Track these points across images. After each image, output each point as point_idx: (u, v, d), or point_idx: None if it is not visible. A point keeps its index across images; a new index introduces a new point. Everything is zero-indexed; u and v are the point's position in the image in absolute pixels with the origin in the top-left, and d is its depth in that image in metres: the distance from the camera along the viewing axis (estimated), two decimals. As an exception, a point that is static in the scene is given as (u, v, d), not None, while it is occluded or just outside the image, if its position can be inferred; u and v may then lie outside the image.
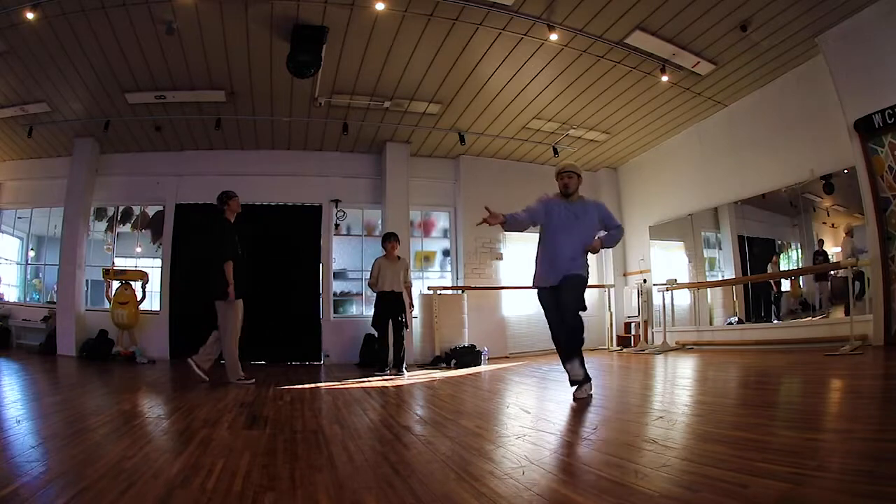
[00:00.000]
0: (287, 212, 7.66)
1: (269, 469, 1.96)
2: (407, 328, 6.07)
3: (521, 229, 3.90)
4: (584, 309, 3.58)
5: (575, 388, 3.51)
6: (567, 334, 3.51)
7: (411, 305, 6.21)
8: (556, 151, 7.79)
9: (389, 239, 6.07)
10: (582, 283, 3.61)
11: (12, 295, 8.04)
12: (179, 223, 7.39)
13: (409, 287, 6.15)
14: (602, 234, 3.80)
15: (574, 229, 3.67)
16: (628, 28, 5.02)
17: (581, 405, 3.28)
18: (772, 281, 6.89)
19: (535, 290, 3.77)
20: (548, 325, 3.68)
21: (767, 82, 6.10)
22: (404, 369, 5.80)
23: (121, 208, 7.70)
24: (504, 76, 5.91)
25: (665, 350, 6.99)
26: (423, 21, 4.88)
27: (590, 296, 8.71)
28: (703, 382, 4.35)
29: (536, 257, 3.91)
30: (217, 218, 4.75)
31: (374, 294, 6.07)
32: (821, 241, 6.30)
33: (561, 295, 3.52)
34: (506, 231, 3.61)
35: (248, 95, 6.18)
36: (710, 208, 7.37)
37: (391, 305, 5.93)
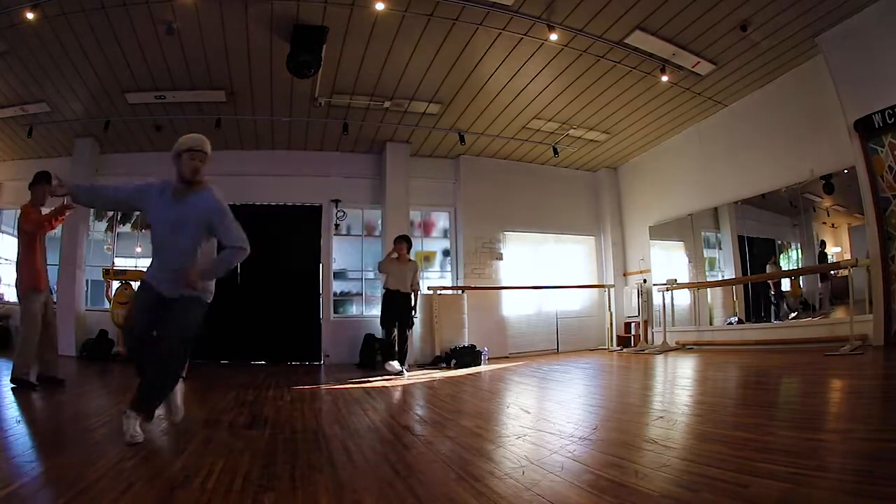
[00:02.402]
0: (287, 212, 7.66)
1: (269, 469, 1.96)
2: (410, 329, 6.11)
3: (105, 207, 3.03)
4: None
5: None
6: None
7: (414, 308, 6.22)
8: (556, 151, 7.79)
9: (398, 241, 6.12)
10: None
11: (12, 295, 8.04)
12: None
13: (416, 290, 6.21)
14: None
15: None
16: (628, 28, 5.02)
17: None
18: (771, 281, 6.89)
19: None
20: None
21: (767, 82, 6.10)
22: (405, 369, 5.81)
23: (121, 208, 7.70)
24: (504, 76, 5.91)
25: (665, 350, 6.99)
26: (423, 21, 4.88)
27: (590, 296, 8.83)
28: (703, 382, 4.35)
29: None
30: None
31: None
32: (822, 242, 6.30)
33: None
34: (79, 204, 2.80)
35: (248, 95, 6.17)
36: (710, 208, 7.36)
37: (397, 305, 6.00)
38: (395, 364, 5.79)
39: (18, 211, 4.44)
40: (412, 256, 6.39)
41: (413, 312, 6.26)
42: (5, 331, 7.28)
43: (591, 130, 7.36)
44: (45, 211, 4.36)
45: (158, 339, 2.49)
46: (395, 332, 6.00)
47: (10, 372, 3.95)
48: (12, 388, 3.83)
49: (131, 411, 2.42)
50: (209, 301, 2.70)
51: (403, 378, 5.39)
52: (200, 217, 2.50)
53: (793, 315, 6.55)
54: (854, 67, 4.94)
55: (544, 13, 4.80)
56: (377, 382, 4.99)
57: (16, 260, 4.20)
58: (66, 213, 4.25)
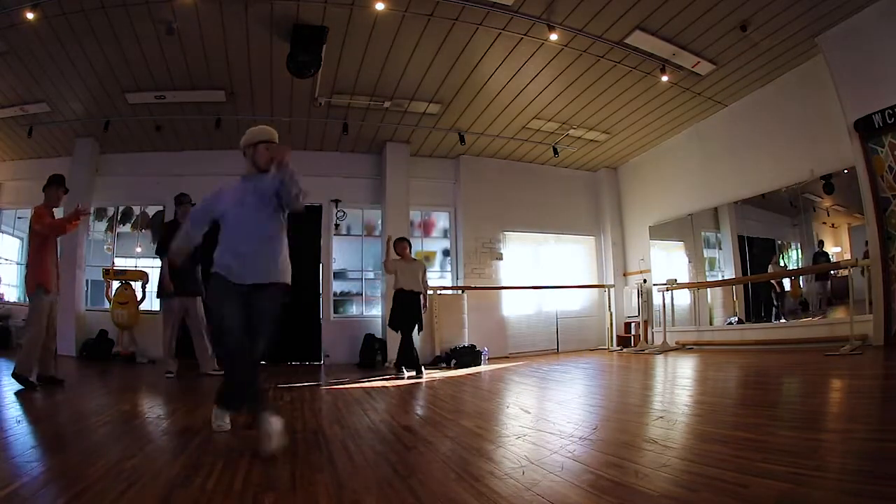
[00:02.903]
0: (287, 212, 7.63)
1: (269, 469, 1.96)
2: (421, 330, 5.95)
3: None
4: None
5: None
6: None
7: (425, 307, 6.01)
8: (556, 151, 7.79)
9: (400, 241, 5.99)
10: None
11: (12, 295, 8.04)
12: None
13: (426, 290, 5.97)
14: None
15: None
16: (628, 28, 5.02)
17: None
18: (773, 281, 6.89)
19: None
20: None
21: (767, 82, 6.10)
22: (404, 370, 5.80)
23: (121, 208, 7.69)
24: (504, 76, 5.91)
25: (665, 350, 6.99)
26: (423, 21, 4.88)
27: (590, 296, 8.83)
28: (703, 382, 4.35)
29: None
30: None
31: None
32: (821, 242, 6.30)
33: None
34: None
35: (248, 95, 6.17)
36: (710, 208, 7.37)
37: (409, 305, 5.75)
38: (410, 370, 5.68)
39: (31, 211, 4.50)
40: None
41: (424, 311, 6.06)
42: (5, 331, 7.28)
43: (591, 130, 7.36)
44: (57, 213, 4.39)
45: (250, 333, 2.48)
46: (409, 334, 5.75)
47: (13, 368, 3.97)
48: (16, 392, 3.82)
49: (220, 410, 2.60)
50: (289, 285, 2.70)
51: (404, 378, 5.39)
52: (273, 190, 2.61)
53: (790, 312, 6.56)
54: (854, 67, 4.94)
55: (544, 13, 4.80)
56: (377, 382, 4.99)
57: (26, 260, 4.22)
58: (81, 218, 4.29)
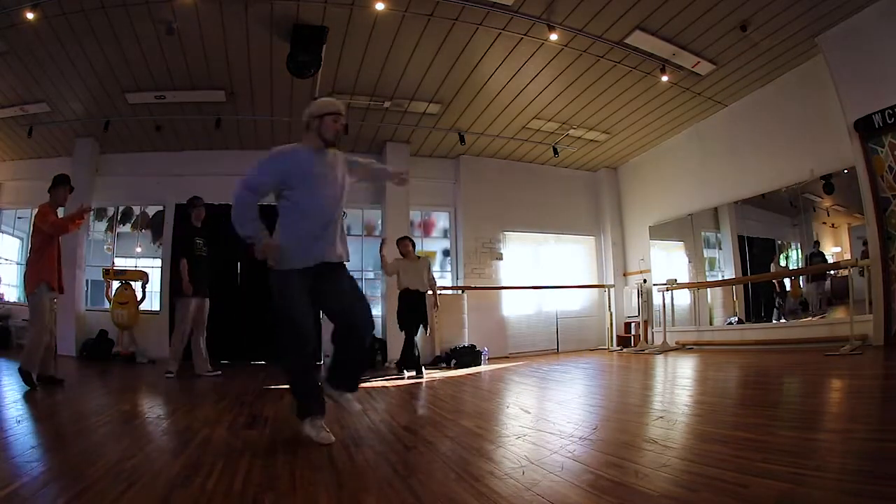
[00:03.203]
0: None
1: (269, 469, 1.96)
2: (427, 331, 5.86)
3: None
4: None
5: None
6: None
7: (436, 306, 5.94)
8: (556, 151, 7.79)
9: (402, 240, 5.91)
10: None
11: (12, 295, 8.03)
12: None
13: (433, 286, 5.87)
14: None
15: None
16: (628, 28, 5.02)
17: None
18: (774, 281, 6.89)
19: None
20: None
21: (767, 82, 6.10)
22: (404, 371, 5.80)
23: (121, 208, 7.69)
24: (504, 76, 5.91)
25: (665, 350, 6.99)
26: (423, 21, 4.88)
27: (590, 296, 8.83)
28: (703, 382, 4.35)
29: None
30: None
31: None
32: (816, 243, 6.28)
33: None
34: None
35: (248, 95, 6.17)
36: (710, 208, 7.37)
37: (414, 305, 5.70)
38: (410, 370, 5.66)
39: (33, 210, 4.56)
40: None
41: (435, 310, 6.00)
42: (5, 331, 7.28)
43: (591, 130, 7.36)
44: (61, 213, 4.43)
45: (348, 315, 2.47)
46: (413, 335, 5.70)
47: (20, 362, 4.02)
48: (23, 393, 3.83)
49: (338, 392, 2.52)
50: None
51: (404, 378, 5.39)
52: (345, 169, 2.64)
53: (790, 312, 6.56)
54: (854, 67, 4.94)
55: (544, 13, 4.80)
56: (377, 382, 4.99)
57: (26, 259, 4.25)
58: (84, 217, 4.31)
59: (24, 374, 3.96)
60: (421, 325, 5.75)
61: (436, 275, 8.07)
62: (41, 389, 3.93)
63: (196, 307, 5.22)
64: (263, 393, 4.14)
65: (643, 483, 1.66)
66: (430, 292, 5.78)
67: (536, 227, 8.48)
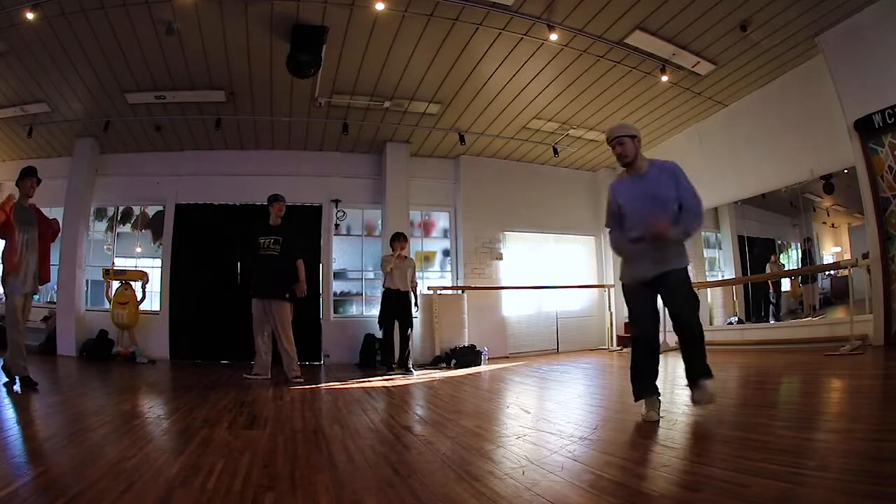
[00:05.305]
0: (287, 212, 7.63)
1: (269, 469, 1.96)
2: (411, 328, 6.11)
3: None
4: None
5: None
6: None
7: (415, 304, 6.24)
8: (556, 151, 7.79)
9: (397, 239, 6.13)
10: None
11: None
12: (179, 223, 7.38)
13: (414, 287, 6.23)
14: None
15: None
16: (628, 28, 5.02)
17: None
18: (770, 281, 6.89)
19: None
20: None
21: (767, 82, 6.10)
22: (412, 367, 5.83)
23: (121, 208, 7.69)
24: (504, 76, 5.91)
25: (665, 350, 6.96)
26: (423, 21, 4.88)
27: (590, 296, 8.82)
28: (703, 382, 4.34)
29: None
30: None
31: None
32: (807, 241, 6.25)
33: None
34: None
35: (248, 95, 6.17)
36: (710, 208, 7.35)
37: (398, 304, 6.00)
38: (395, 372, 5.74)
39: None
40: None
41: (416, 309, 6.28)
42: (5, 331, 7.26)
43: (591, 130, 7.35)
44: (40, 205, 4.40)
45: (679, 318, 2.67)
46: (397, 334, 5.98)
47: (3, 361, 4.02)
48: (5, 384, 3.86)
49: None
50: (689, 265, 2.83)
51: (412, 377, 5.41)
52: (669, 181, 2.77)
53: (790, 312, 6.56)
54: (854, 67, 4.94)
55: (544, 13, 4.80)
56: (377, 382, 4.99)
57: None
58: (11, 204, 4.07)
59: (6, 371, 3.99)
60: (408, 325, 6.01)
61: (436, 275, 8.16)
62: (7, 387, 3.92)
63: (262, 309, 5.02)
64: (262, 393, 4.14)
65: (643, 483, 1.66)
66: (411, 291, 6.13)
67: (536, 227, 8.47)
